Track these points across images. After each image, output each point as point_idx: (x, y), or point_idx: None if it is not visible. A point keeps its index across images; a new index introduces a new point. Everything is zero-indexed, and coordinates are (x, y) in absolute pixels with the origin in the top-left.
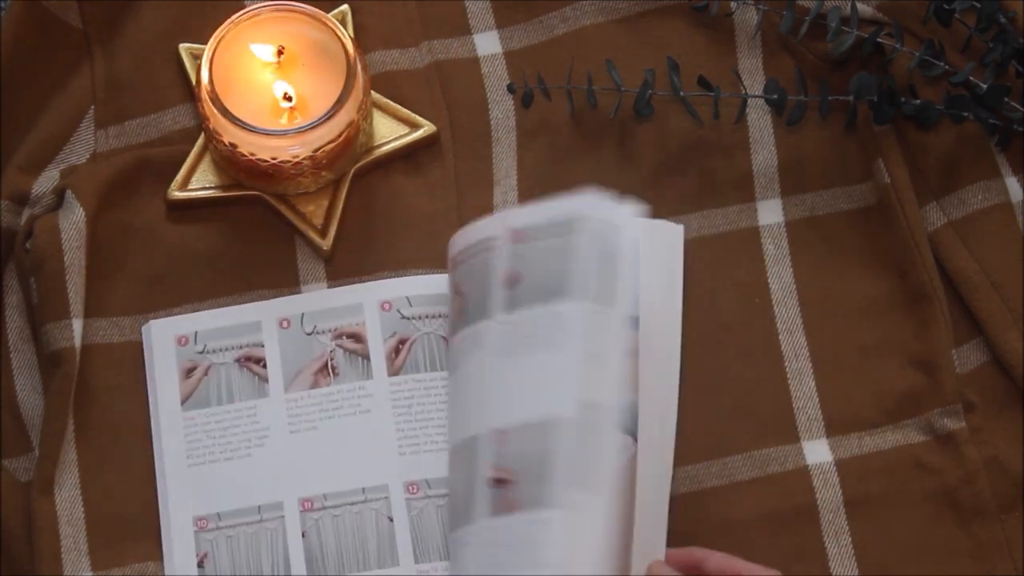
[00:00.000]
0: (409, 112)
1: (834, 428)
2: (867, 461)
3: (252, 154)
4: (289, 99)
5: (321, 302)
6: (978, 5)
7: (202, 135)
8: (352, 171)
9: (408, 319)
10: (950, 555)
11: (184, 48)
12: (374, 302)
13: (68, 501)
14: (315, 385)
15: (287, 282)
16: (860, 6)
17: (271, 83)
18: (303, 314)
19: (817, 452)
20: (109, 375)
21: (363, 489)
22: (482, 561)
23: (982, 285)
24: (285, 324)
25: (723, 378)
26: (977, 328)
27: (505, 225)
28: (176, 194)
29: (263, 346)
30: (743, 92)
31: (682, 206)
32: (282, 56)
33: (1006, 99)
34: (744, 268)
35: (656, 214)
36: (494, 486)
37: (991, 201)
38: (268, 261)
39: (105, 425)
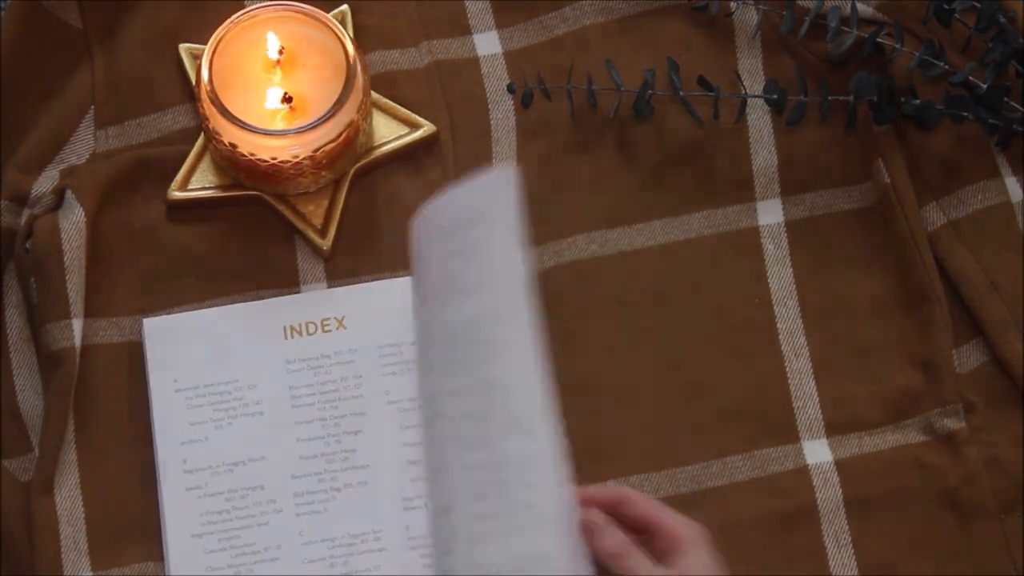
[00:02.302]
0: (409, 112)
1: (834, 428)
2: (867, 461)
3: (252, 154)
4: (289, 99)
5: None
6: (978, 5)
7: (202, 135)
8: (352, 171)
9: None
10: (950, 555)
11: (184, 48)
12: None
13: (68, 501)
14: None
15: (287, 282)
16: (860, 6)
17: (271, 83)
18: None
19: (817, 452)
20: (109, 375)
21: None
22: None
23: (982, 285)
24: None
25: (723, 378)
26: (977, 328)
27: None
28: (176, 194)
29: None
30: (743, 92)
31: (682, 206)
32: (282, 56)
33: (1006, 99)
34: (744, 268)
35: (656, 214)
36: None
37: (991, 201)
38: (268, 261)
39: (105, 425)
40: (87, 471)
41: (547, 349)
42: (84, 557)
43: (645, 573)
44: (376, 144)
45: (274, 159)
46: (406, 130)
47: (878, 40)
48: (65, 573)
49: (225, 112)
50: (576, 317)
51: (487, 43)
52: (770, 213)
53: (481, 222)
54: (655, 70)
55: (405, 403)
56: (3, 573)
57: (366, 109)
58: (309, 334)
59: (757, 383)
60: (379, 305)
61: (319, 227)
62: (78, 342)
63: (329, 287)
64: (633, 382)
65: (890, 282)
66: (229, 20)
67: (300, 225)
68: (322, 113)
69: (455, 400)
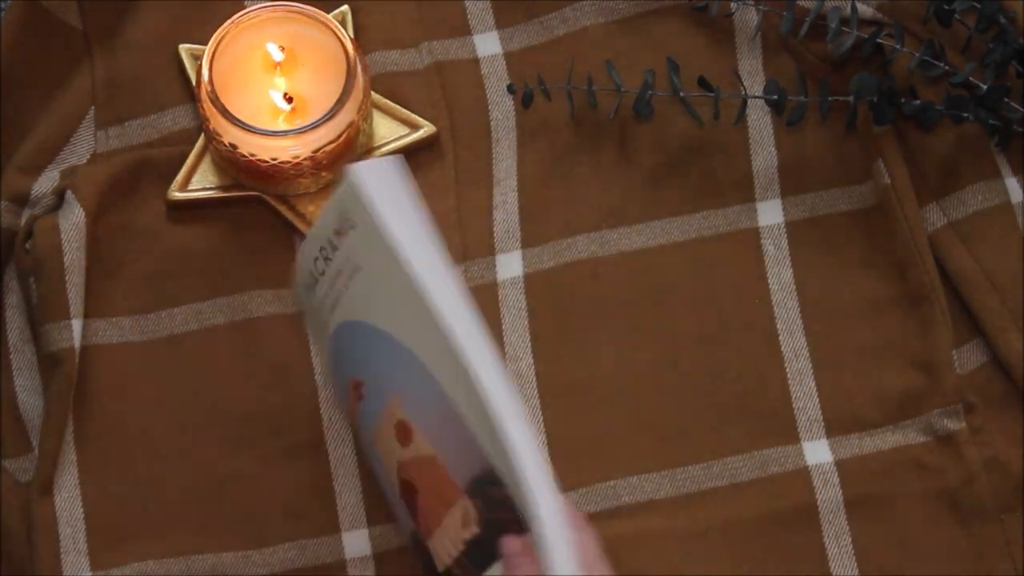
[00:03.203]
0: (409, 112)
1: (834, 428)
2: (867, 461)
3: (252, 155)
4: (289, 100)
5: None
6: (978, 5)
7: (202, 135)
8: None
9: None
10: (950, 555)
11: (184, 48)
12: None
13: (68, 501)
14: None
15: (287, 282)
16: (860, 6)
17: (271, 83)
18: None
19: (817, 452)
20: (109, 375)
21: None
22: None
23: (982, 285)
24: None
25: (723, 378)
26: (977, 328)
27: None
28: (176, 194)
29: None
30: (743, 92)
31: (682, 206)
32: (282, 56)
33: (1006, 99)
34: (744, 268)
35: (656, 214)
36: None
37: (991, 201)
38: (268, 261)
39: (105, 425)
40: (87, 471)
41: (548, 350)
42: (84, 557)
43: None
44: (376, 144)
45: (274, 159)
46: (406, 130)
47: (878, 40)
48: (65, 573)
49: (225, 113)
50: (576, 317)
51: (487, 43)
52: (770, 213)
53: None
54: (655, 70)
55: None
56: (3, 573)
57: (366, 109)
58: None
59: (757, 383)
60: None
61: None
62: (78, 342)
63: None
64: (633, 382)
65: (890, 282)
66: (229, 20)
67: (300, 225)
68: (322, 113)
69: None
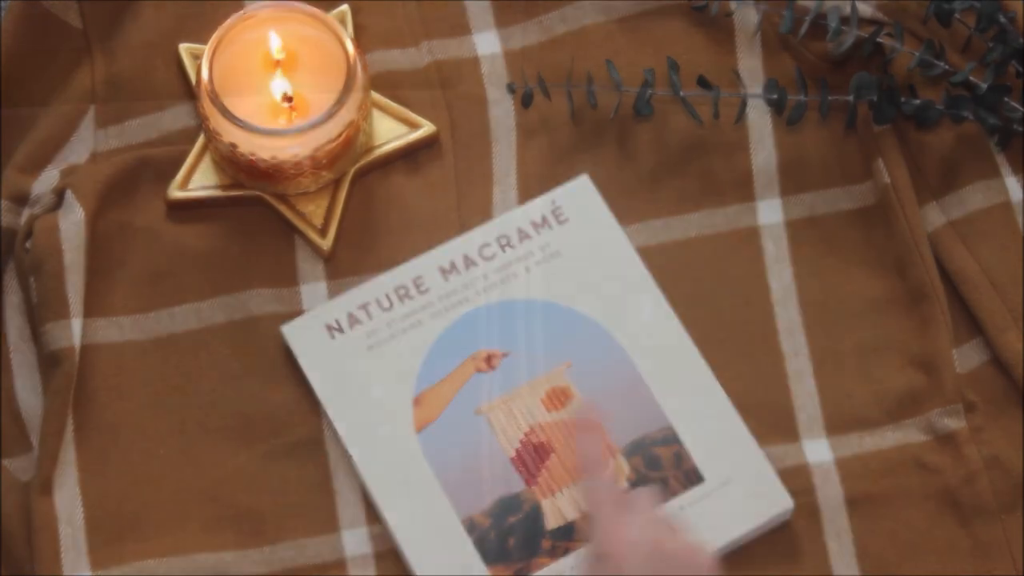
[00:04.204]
0: (409, 112)
1: (834, 427)
2: (868, 460)
3: (252, 154)
4: (289, 99)
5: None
6: (978, 5)
7: (202, 135)
8: (352, 171)
9: None
10: (950, 555)
11: (184, 48)
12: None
13: (68, 501)
14: None
15: (287, 281)
16: (860, 6)
17: (271, 83)
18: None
19: (818, 451)
20: (109, 375)
21: None
22: None
23: (982, 285)
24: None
25: (723, 378)
26: (977, 328)
27: None
28: (176, 194)
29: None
30: (743, 92)
31: (682, 206)
32: (283, 56)
33: (1006, 99)
34: (744, 268)
35: (656, 214)
36: None
37: (991, 201)
38: (268, 261)
39: (105, 425)
40: (87, 471)
41: None
42: (83, 557)
43: None
44: (376, 144)
45: (274, 159)
46: (406, 130)
47: (878, 40)
48: (64, 573)
49: (225, 112)
50: None
51: (487, 43)
52: (770, 213)
53: None
54: (655, 70)
55: None
56: (3, 573)
57: (366, 109)
58: None
59: (757, 382)
60: None
61: (319, 227)
62: (77, 342)
63: (329, 287)
64: None
65: (890, 282)
66: (229, 20)
67: (300, 225)
68: (322, 113)
69: None
